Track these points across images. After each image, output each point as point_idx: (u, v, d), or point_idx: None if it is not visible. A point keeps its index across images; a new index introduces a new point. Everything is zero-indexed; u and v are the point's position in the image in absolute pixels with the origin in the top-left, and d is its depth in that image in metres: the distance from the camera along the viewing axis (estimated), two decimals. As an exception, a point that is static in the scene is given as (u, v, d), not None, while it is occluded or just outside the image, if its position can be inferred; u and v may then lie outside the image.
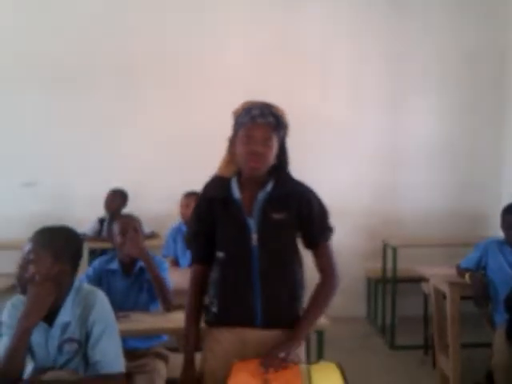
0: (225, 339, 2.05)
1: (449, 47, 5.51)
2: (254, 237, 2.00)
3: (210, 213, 2.06)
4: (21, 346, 1.95)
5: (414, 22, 5.49)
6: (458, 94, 5.55)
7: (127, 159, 5.24)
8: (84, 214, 4.99)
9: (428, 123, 5.57)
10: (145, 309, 3.02)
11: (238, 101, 2.08)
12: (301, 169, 5.23)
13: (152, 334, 2.99)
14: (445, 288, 3.77)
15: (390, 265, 4.79)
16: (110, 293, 3.01)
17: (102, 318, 2.07)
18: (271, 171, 2.05)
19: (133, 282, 3.05)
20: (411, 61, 5.51)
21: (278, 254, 2.04)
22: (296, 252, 2.11)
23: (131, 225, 3.04)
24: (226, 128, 2.16)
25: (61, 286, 2.05)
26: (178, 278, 3.44)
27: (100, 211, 4.93)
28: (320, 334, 2.72)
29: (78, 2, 5.26)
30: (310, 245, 2.12)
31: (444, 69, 5.53)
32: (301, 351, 2.08)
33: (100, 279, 3.05)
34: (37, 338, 2.06)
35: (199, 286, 2.14)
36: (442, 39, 5.50)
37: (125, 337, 2.95)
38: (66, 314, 2.07)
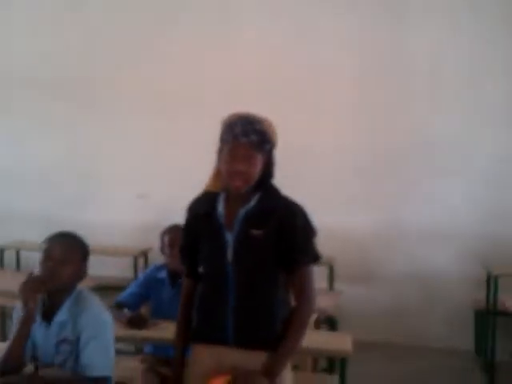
0: (202, 360, 2.04)
1: None
2: (230, 252, 1.98)
3: (195, 227, 2.08)
4: (22, 334, 2.12)
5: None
6: None
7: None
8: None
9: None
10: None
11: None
12: (409, 188, 5.05)
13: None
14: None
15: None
16: (156, 301, 3.18)
17: (91, 324, 2.17)
18: (258, 185, 2.01)
19: (178, 292, 3.12)
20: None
21: (253, 271, 1.98)
22: (276, 270, 2.01)
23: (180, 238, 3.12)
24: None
25: (64, 286, 2.21)
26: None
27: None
28: (342, 363, 2.55)
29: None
30: (286, 267, 2.01)
31: None
32: (285, 380, 2.01)
33: (148, 286, 3.19)
34: (38, 336, 2.22)
35: (189, 300, 2.15)
36: None
37: (165, 345, 3.09)
38: (63, 313, 2.20)
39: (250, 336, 1.97)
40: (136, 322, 2.88)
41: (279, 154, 4.98)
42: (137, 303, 3.19)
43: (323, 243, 4.77)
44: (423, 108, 5.15)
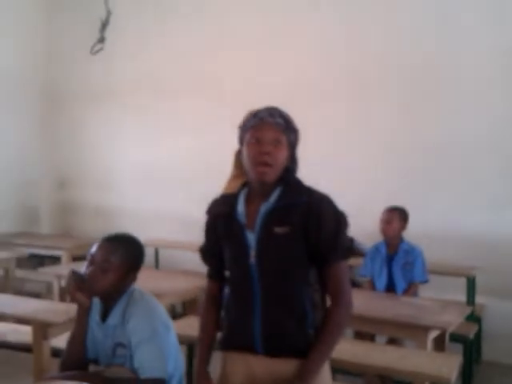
0: (234, 371, 1.87)
1: None
2: (252, 253, 1.81)
3: (215, 230, 1.92)
4: (76, 332, 2.12)
5: None
6: None
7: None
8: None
9: None
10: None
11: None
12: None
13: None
14: None
15: None
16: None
17: (140, 328, 2.08)
18: (279, 180, 1.83)
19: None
20: None
21: (279, 273, 1.79)
22: (305, 270, 1.81)
23: None
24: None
25: (108, 292, 2.13)
26: (366, 301, 3.18)
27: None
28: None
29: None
30: (317, 264, 1.81)
31: None
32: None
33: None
34: (98, 336, 2.16)
35: (213, 304, 1.98)
36: None
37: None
38: (115, 316, 2.13)
39: (279, 344, 1.79)
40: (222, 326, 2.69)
41: (418, 154, 4.64)
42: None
43: (462, 251, 4.40)
44: None
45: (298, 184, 1.85)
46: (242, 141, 1.86)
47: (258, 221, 1.81)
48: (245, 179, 1.90)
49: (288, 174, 1.84)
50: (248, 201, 1.86)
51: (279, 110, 1.84)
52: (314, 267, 1.81)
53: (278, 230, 1.78)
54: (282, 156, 1.80)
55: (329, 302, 1.84)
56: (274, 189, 1.82)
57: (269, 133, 1.79)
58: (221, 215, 1.89)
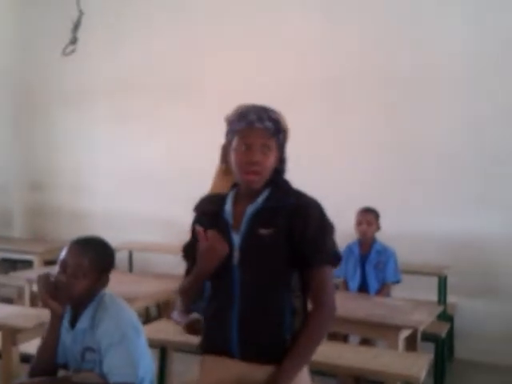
0: (209, 372, 1.86)
1: None
2: (236, 254, 1.79)
3: (202, 227, 1.87)
4: (49, 338, 2.08)
5: None
6: None
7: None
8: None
9: None
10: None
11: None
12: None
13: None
14: None
15: None
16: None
17: (110, 332, 2.06)
18: (268, 181, 1.82)
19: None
20: None
21: (261, 275, 1.77)
22: (288, 275, 1.79)
23: None
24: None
25: (80, 297, 2.10)
26: (339, 302, 3.17)
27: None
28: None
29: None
30: (301, 268, 1.79)
31: None
32: None
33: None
34: (67, 341, 2.14)
35: None
36: None
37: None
38: (84, 321, 2.11)
39: (255, 349, 1.77)
40: (194, 328, 2.69)
41: (400, 152, 4.67)
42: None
43: (433, 251, 4.44)
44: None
45: (287, 186, 1.84)
46: (229, 140, 1.83)
47: (244, 222, 1.79)
48: (233, 177, 1.86)
49: (277, 176, 1.83)
50: (236, 201, 1.85)
51: (268, 112, 1.80)
52: (297, 273, 1.78)
53: (263, 231, 1.76)
54: (270, 162, 1.79)
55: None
56: (262, 190, 1.81)
57: (258, 139, 1.76)
58: (208, 213, 1.87)
